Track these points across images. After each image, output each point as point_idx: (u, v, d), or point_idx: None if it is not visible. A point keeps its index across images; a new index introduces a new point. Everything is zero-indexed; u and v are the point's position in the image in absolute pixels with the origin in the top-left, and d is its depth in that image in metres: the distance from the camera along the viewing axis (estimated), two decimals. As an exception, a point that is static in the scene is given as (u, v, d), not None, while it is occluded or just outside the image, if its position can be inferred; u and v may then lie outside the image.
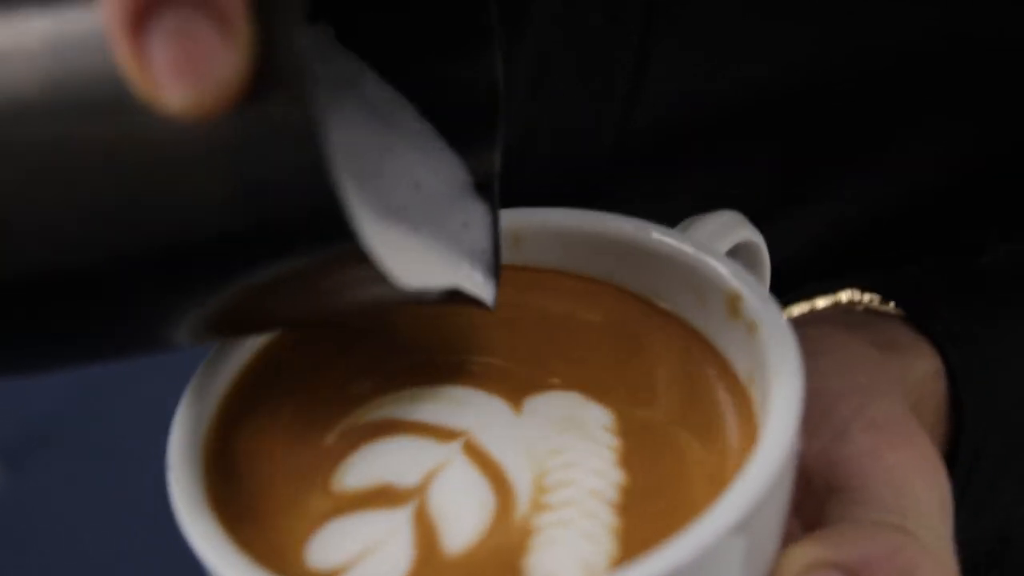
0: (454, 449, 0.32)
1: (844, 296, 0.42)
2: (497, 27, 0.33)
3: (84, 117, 0.26)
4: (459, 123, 0.34)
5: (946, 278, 0.42)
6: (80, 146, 0.26)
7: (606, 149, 0.48)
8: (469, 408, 0.33)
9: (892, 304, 0.41)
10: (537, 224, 0.37)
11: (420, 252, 0.32)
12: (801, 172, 0.48)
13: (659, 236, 0.36)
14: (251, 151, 0.25)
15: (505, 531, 0.30)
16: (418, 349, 0.35)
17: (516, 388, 0.34)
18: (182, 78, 0.24)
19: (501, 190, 0.34)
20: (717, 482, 0.31)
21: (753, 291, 0.34)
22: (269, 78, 0.24)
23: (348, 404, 0.34)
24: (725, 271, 0.34)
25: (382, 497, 0.31)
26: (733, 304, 0.34)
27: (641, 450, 0.32)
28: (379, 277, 0.27)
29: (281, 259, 0.27)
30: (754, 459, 0.29)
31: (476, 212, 0.34)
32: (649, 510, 0.30)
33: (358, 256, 0.26)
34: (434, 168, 0.34)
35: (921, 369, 0.39)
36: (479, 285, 0.33)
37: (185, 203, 0.26)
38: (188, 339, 0.31)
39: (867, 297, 0.41)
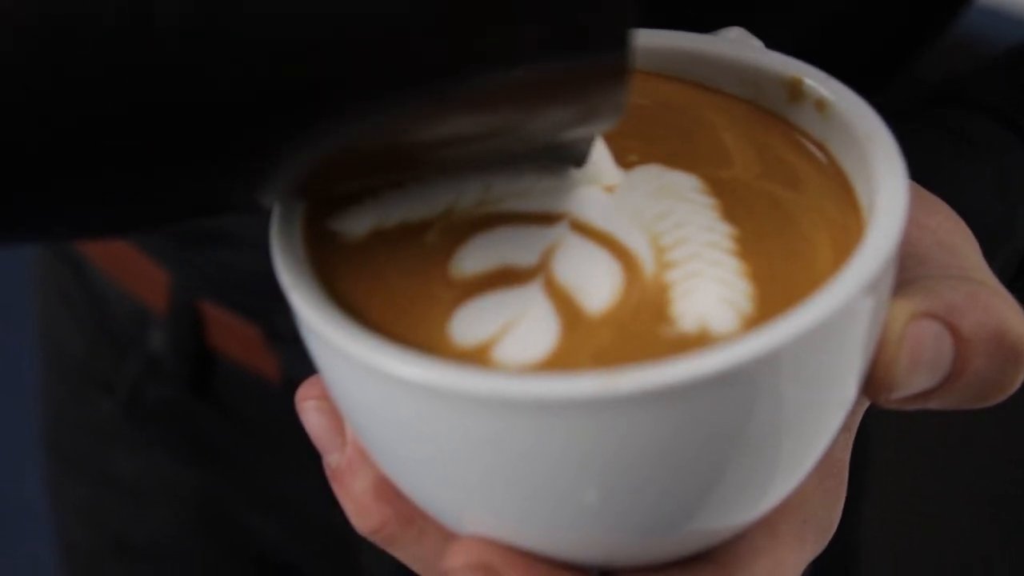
0: (562, 229, 0.33)
1: None
2: None
3: None
4: None
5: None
6: None
7: None
8: (558, 194, 0.34)
9: None
10: None
11: None
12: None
13: (698, 38, 0.37)
14: None
15: (641, 289, 0.31)
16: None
17: None
18: None
19: None
20: (826, 224, 0.33)
21: (812, 71, 0.35)
22: None
23: (435, 206, 0.34)
24: (777, 59, 0.36)
25: (506, 278, 0.32)
26: (794, 87, 0.35)
27: (737, 205, 0.33)
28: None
29: None
30: (878, 216, 0.30)
31: None
32: (767, 251, 0.32)
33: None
34: None
35: None
36: None
37: None
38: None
39: None
